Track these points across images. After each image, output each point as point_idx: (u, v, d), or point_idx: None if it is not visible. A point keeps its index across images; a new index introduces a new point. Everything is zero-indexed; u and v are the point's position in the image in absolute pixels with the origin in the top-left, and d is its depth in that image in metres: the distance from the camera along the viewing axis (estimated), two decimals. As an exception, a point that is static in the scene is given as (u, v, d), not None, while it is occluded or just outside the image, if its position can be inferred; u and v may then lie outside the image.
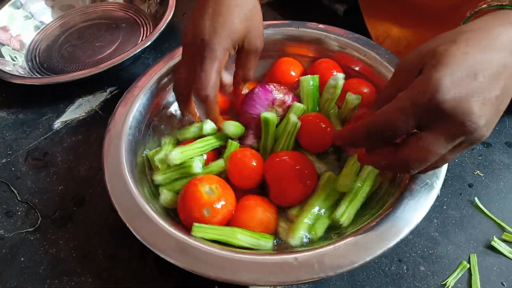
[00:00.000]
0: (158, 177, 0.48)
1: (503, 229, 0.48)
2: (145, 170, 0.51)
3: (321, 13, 0.79)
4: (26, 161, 0.60)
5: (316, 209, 0.44)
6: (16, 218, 0.54)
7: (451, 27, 0.58)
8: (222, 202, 0.44)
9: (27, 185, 0.57)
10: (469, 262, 0.46)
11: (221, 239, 0.42)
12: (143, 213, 0.43)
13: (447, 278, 0.45)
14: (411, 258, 0.47)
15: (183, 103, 0.52)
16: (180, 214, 0.45)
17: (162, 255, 0.39)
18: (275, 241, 0.44)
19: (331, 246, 0.38)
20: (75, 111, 0.66)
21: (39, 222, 0.53)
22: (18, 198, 0.56)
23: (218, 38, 0.45)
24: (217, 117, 0.50)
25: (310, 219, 0.44)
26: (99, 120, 0.65)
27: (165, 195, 0.47)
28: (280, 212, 0.46)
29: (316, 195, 0.45)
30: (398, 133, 0.33)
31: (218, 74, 0.46)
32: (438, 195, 0.42)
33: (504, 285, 0.44)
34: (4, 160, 0.61)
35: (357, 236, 0.39)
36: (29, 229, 0.52)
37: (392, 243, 0.38)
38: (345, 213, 0.43)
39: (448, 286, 0.44)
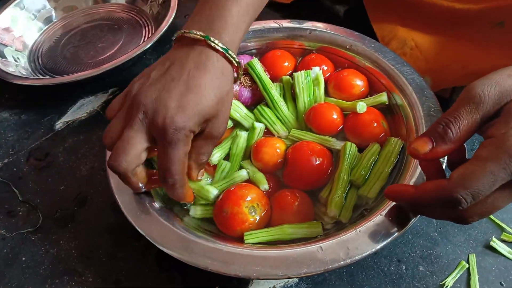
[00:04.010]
0: (197, 212, 0.47)
1: (502, 229, 0.48)
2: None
3: (322, 14, 0.80)
4: (28, 161, 0.61)
5: (343, 181, 0.47)
6: (18, 218, 0.54)
7: (461, 31, 0.57)
8: (262, 214, 0.45)
9: (29, 185, 0.58)
10: (468, 262, 0.46)
11: (274, 239, 0.43)
12: (146, 210, 0.43)
13: (446, 278, 0.45)
14: (410, 258, 0.47)
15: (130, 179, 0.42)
16: (219, 225, 0.46)
17: (169, 252, 0.40)
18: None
19: (353, 232, 0.40)
20: (77, 112, 0.67)
21: (40, 222, 0.53)
22: (20, 198, 0.56)
23: (185, 117, 0.39)
24: (186, 193, 0.43)
25: (340, 189, 0.47)
26: (101, 121, 0.65)
27: (194, 210, 0.47)
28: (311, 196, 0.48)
29: (340, 169, 0.48)
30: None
31: (185, 157, 0.41)
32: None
33: (503, 285, 0.45)
34: (6, 160, 0.61)
35: (376, 218, 0.40)
36: (30, 229, 0.53)
37: (412, 221, 0.40)
38: (371, 188, 0.46)
39: (447, 286, 0.44)
